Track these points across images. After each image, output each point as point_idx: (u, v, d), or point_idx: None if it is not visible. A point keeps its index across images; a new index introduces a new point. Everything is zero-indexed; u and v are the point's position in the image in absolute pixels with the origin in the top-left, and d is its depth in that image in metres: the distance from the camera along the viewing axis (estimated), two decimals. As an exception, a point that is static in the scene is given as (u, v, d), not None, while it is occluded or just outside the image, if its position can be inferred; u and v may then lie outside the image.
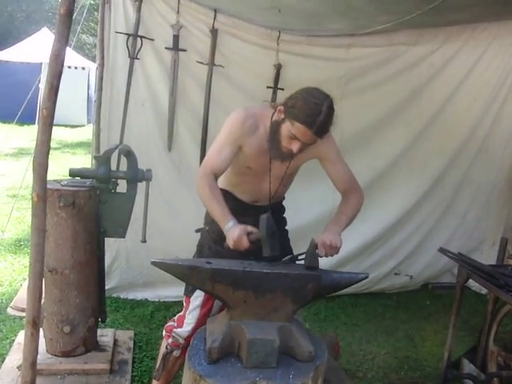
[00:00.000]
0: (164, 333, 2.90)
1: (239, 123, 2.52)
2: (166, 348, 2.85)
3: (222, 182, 2.72)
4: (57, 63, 1.86)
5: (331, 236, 2.34)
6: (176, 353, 2.84)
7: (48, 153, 1.90)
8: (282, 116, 2.41)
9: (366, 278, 2.37)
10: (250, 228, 2.32)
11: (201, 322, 2.70)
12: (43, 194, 1.91)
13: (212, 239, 2.75)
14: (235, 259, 2.26)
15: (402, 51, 4.66)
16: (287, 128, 2.37)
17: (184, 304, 2.83)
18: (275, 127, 2.46)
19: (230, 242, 2.31)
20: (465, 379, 3.44)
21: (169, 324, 2.89)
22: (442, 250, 3.44)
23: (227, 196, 2.63)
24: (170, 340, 2.83)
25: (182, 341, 2.79)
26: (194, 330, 2.70)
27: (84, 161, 10.34)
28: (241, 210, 2.64)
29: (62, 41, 1.85)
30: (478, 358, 3.37)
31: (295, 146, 2.39)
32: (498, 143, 5.13)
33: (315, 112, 2.28)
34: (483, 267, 3.14)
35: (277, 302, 2.12)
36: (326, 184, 4.32)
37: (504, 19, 4.52)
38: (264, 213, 2.52)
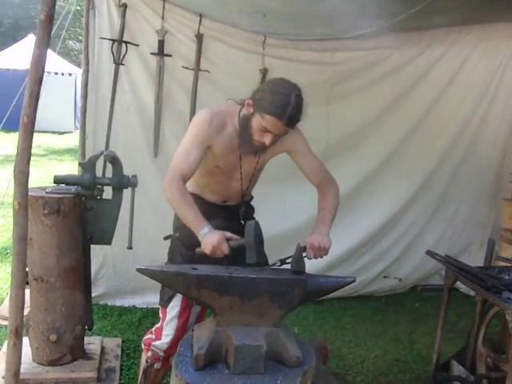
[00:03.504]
0: (143, 346, 2.85)
1: (206, 123, 2.47)
2: (147, 361, 2.80)
3: (189, 184, 2.65)
4: (37, 69, 1.84)
5: (319, 237, 2.32)
6: (157, 365, 2.79)
7: (29, 160, 1.87)
8: (251, 110, 2.39)
9: (353, 281, 2.36)
10: (228, 234, 2.29)
11: (179, 333, 2.66)
12: (24, 201, 1.88)
13: (183, 246, 2.68)
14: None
15: (387, 55, 4.68)
16: (257, 121, 2.35)
17: (160, 315, 2.77)
18: (245, 122, 2.43)
19: (207, 247, 2.25)
20: (454, 381, 3.44)
21: (147, 337, 2.83)
22: (430, 253, 3.44)
23: (195, 199, 2.56)
24: (150, 353, 2.78)
25: (161, 353, 2.74)
26: (173, 341, 2.66)
27: (71, 167, 10.30)
28: (211, 212, 2.59)
29: (43, 47, 1.84)
30: (467, 360, 3.36)
31: (267, 139, 2.37)
32: (485, 145, 5.15)
33: (284, 102, 2.27)
34: (470, 269, 3.14)
35: (263, 307, 2.11)
36: (314, 187, 4.30)
37: (488, 22, 4.55)
38: (234, 213, 2.52)
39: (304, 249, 2.27)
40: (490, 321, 3.23)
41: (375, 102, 4.78)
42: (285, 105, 2.27)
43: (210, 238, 2.25)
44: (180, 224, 2.54)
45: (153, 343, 2.75)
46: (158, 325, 2.78)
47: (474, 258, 5.11)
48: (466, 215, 5.37)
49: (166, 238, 2.78)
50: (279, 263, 2.31)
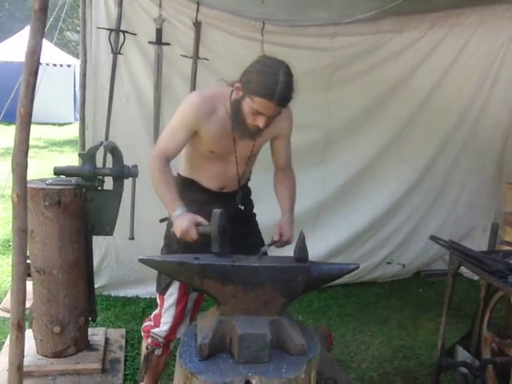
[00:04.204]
0: (142, 334, 2.85)
1: (194, 109, 2.42)
2: (147, 348, 2.79)
3: (186, 170, 2.66)
4: (33, 60, 1.81)
5: (290, 230, 2.53)
6: (158, 351, 2.78)
7: (27, 152, 1.85)
8: (241, 93, 2.32)
9: (357, 268, 2.35)
10: (199, 219, 2.29)
11: (178, 320, 2.68)
12: (23, 194, 1.86)
13: None
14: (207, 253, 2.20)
15: (387, 39, 4.63)
16: (248, 104, 2.28)
17: (158, 302, 2.76)
18: (236, 106, 2.37)
19: (177, 231, 2.29)
20: (459, 367, 3.43)
21: (146, 324, 2.83)
22: (433, 238, 3.42)
23: (193, 186, 2.58)
24: (150, 340, 2.77)
25: (161, 340, 2.74)
26: (172, 328, 2.68)
27: (72, 159, 10.25)
28: (208, 199, 2.58)
29: (38, 37, 1.80)
30: (472, 345, 3.35)
31: (261, 122, 2.30)
32: (488, 128, 5.11)
33: (272, 82, 2.20)
34: (474, 254, 3.12)
35: (267, 295, 2.10)
36: (315, 174, 4.27)
37: (489, 4, 4.50)
38: (232, 199, 2.56)
39: (304, 238, 2.23)
40: (495, 305, 3.22)
41: (376, 86, 4.73)
42: (274, 84, 2.19)
43: (180, 222, 2.27)
44: None
45: (152, 330, 2.75)
46: (156, 312, 2.77)
47: (478, 243, 5.11)
48: (469, 200, 5.34)
49: (161, 221, 2.75)
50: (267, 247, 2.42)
